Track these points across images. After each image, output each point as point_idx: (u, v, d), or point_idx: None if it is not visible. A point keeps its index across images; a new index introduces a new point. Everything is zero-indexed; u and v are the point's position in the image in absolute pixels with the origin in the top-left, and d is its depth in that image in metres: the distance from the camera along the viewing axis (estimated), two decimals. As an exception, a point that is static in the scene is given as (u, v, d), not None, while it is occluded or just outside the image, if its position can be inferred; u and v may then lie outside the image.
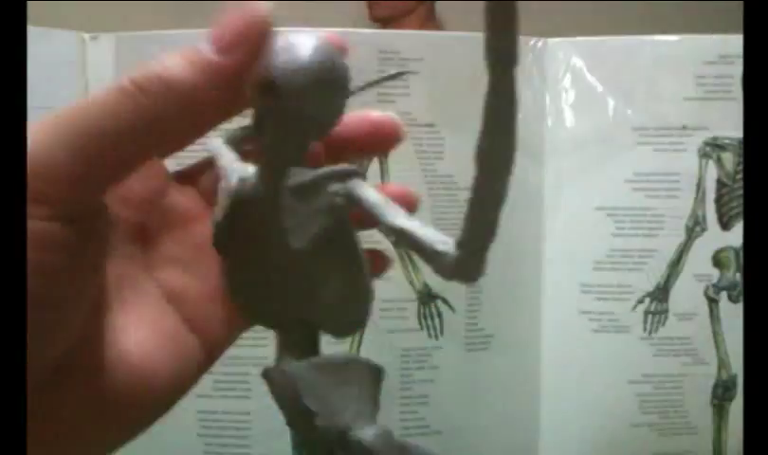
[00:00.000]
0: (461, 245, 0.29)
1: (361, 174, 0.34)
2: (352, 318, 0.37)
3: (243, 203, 0.35)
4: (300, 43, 0.33)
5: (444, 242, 0.30)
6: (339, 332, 0.38)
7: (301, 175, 0.34)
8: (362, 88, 0.43)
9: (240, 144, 0.41)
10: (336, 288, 0.36)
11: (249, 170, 0.36)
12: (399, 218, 0.31)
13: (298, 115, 0.36)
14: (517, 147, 0.27)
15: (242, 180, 0.35)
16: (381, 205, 0.32)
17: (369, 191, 0.33)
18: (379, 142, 0.37)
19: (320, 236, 0.34)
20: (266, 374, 0.38)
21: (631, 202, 0.61)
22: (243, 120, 0.51)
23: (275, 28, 0.32)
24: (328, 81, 0.34)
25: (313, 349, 0.38)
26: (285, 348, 0.38)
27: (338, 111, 0.35)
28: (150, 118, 0.27)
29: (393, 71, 0.36)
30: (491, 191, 0.29)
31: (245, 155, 0.43)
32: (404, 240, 0.31)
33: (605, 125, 0.62)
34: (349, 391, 0.35)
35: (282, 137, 0.35)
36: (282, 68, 0.33)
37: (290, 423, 0.38)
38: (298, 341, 0.37)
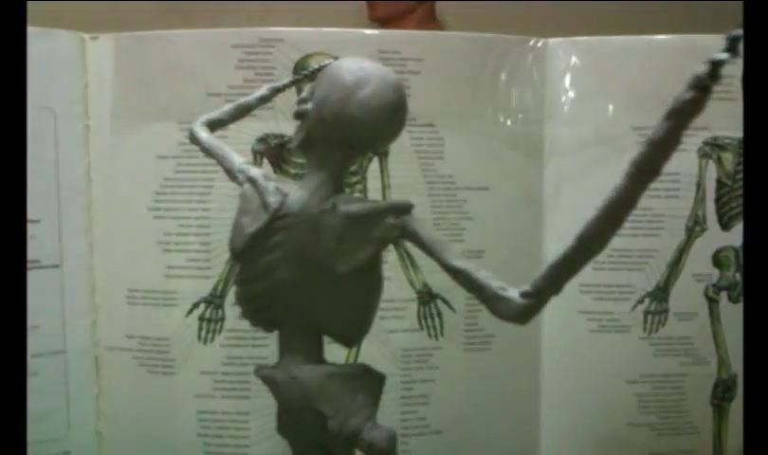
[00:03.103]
0: (534, 294, 0.32)
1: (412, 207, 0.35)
2: (363, 330, 0.38)
3: (283, 218, 0.35)
4: (377, 77, 0.35)
5: (502, 287, 0.33)
6: (350, 342, 0.39)
7: (353, 203, 0.35)
8: (293, 83, 0.44)
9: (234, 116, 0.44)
10: (356, 304, 0.37)
11: (289, 185, 0.37)
12: (457, 258, 0.34)
13: (366, 145, 0.37)
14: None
15: (282, 195, 0.36)
16: (437, 242, 0.34)
17: (424, 227, 0.35)
18: None
19: (365, 263, 0.35)
20: (267, 376, 0.38)
21: (631, 202, 0.61)
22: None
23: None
24: (404, 118, 0.36)
25: (318, 353, 0.38)
26: (289, 351, 0.38)
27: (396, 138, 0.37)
28: None
29: (323, 63, 0.38)
30: (584, 262, 0.31)
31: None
32: (462, 280, 0.34)
33: (605, 125, 0.62)
34: (360, 397, 0.37)
35: (340, 162, 0.36)
36: (362, 103, 0.34)
37: (280, 429, 0.39)
38: (304, 346, 0.38)
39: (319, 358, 0.38)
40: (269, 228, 0.35)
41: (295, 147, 0.37)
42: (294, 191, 0.36)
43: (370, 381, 0.38)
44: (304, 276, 0.36)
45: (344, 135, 0.35)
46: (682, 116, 0.28)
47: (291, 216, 0.35)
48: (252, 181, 0.37)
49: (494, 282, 0.33)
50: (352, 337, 0.39)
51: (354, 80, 0.35)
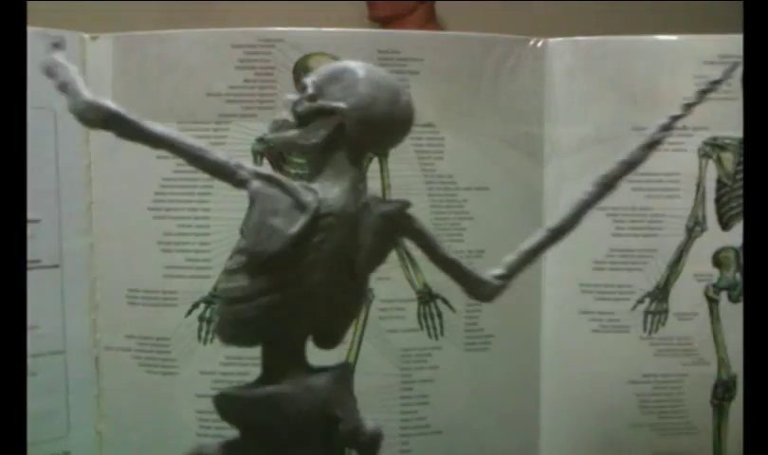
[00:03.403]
0: (505, 277, 0.37)
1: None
2: (347, 330, 0.38)
3: (324, 217, 0.34)
4: (389, 81, 0.36)
5: (479, 273, 0.37)
6: (336, 342, 0.38)
7: (381, 202, 0.36)
8: None
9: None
10: (357, 303, 0.37)
11: (315, 184, 0.35)
12: (448, 251, 0.37)
13: (387, 147, 0.37)
14: None
15: (314, 193, 0.35)
16: (435, 237, 0.37)
17: (423, 224, 0.37)
18: None
19: (381, 263, 0.36)
20: (274, 394, 0.37)
21: (631, 202, 0.61)
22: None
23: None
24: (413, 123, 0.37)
25: (304, 360, 0.38)
26: (291, 360, 0.37)
27: None
28: None
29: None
30: (548, 249, 0.38)
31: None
32: (454, 269, 0.37)
33: (605, 125, 0.62)
34: (353, 395, 0.37)
35: (364, 161, 0.36)
36: (404, 107, 0.36)
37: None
38: (305, 353, 0.38)
39: (307, 363, 0.38)
40: (310, 229, 0.34)
41: (316, 144, 0.35)
42: (326, 191, 0.35)
43: (351, 376, 0.38)
44: (333, 278, 0.35)
45: (382, 136, 0.36)
46: (655, 145, 0.37)
47: (332, 216, 0.34)
48: (271, 179, 0.35)
49: (473, 268, 0.37)
50: (339, 338, 0.38)
51: (395, 84, 0.36)
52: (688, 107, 0.37)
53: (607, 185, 0.37)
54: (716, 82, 0.37)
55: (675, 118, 0.37)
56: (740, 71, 0.58)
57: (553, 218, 0.38)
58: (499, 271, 0.37)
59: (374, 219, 0.35)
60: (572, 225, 0.38)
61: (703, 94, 0.37)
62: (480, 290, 0.37)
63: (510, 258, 0.37)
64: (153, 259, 0.59)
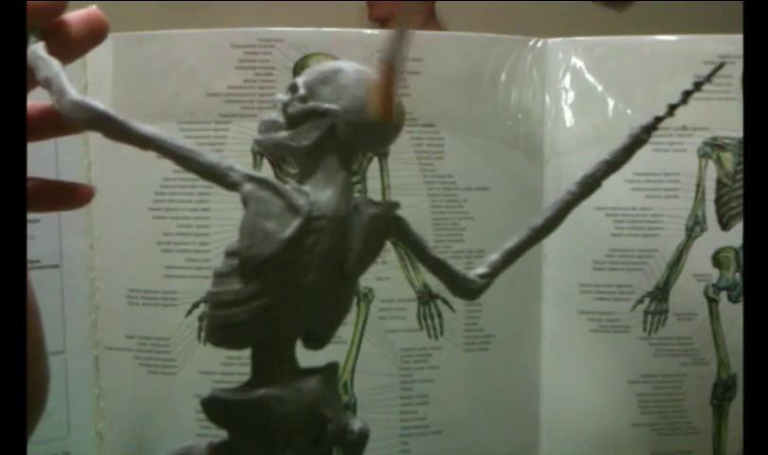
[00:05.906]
0: (489, 275, 0.38)
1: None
2: (335, 331, 0.38)
3: (316, 220, 0.34)
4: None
5: (464, 271, 0.38)
6: (322, 345, 0.38)
7: (370, 204, 0.35)
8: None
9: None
10: (347, 304, 0.37)
11: (302, 187, 0.35)
12: (434, 252, 0.38)
13: (370, 146, 0.37)
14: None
15: (306, 196, 0.34)
16: (423, 239, 0.37)
17: (412, 226, 0.37)
18: (90, 34, 0.36)
19: (371, 264, 0.36)
20: (265, 397, 0.37)
21: (631, 202, 0.61)
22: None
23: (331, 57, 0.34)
24: (404, 124, 0.37)
25: (294, 362, 0.38)
26: (281, 362, 0.37)
27: None
28: None
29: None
30: (530, 247, 0.39)
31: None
32: (441, 269, 0.38)
33: (605, 125, 0.62)
34: (338, 394, 0.37)
35: (347, 163, 0.36)
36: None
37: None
38: (294, 354, 0.38)
39: (297, 365, 0.38)
40: (302, 232, 0.34)
41: (307, 145, 0.35)
42: (317, 193, 0.34)
43: (337, 376, 0.38)
44: (323, 280, 0.35)
45: (373, 138, 0.35)
46: (639, 146, 0.37)
47: (325, 218, 0.34)
48: (263, 182, 0.35)
49: (458, 268, 0.38)
50: (329, 338, 0.38)
51: (364, 84, 0.35)
52: (672, 108, 0.37)
53: (590, 185, 0.37)
54: (699, 84, 0.36)
55: (659, 119, 0.37)
56: (739, 71, 0.58)
57: (536, 217, 0.38)
58: (483, 270, 0.37)
59: (363, 221, 0.35)
60: (555, 224, 0.38)
61: (687, 95, 0.37)
62: (465, 288, 0.37)
63: (494, 257, 0.38)
64: (153, 259, 0.59)
